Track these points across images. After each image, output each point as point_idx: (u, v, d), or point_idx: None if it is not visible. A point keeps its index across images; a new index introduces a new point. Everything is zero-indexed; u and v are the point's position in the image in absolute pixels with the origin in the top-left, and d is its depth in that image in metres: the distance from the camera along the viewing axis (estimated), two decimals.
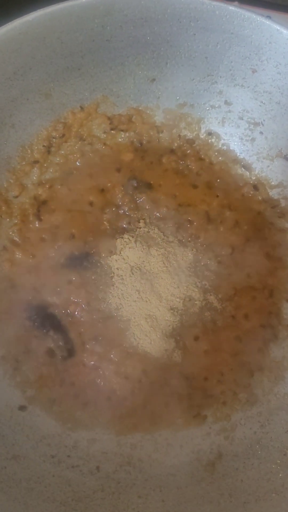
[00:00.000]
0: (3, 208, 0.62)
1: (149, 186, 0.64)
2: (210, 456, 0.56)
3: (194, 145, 0.66)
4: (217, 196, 0.64)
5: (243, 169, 0.66)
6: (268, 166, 0.65)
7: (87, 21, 0.54)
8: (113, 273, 0.60)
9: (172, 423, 0.58)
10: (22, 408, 0.57)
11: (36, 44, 0.54)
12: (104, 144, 0.65)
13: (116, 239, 0.62)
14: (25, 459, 0.52)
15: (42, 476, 0.51)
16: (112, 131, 0.65)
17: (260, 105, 0.61)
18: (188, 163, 0.65)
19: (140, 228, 0.62)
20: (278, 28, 0.53)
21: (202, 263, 0.61)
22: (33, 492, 0.49)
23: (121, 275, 0.60)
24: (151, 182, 0.65)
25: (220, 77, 0.61)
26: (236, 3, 0.82)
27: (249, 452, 0.55)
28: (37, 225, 0.63)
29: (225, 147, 0.66)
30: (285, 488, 0.49)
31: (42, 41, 0.54)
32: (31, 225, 0.63)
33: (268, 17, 0.82)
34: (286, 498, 0.48)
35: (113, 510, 0.50)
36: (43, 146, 0.63)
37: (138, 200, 0.64)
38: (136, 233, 0.62)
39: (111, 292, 0.59)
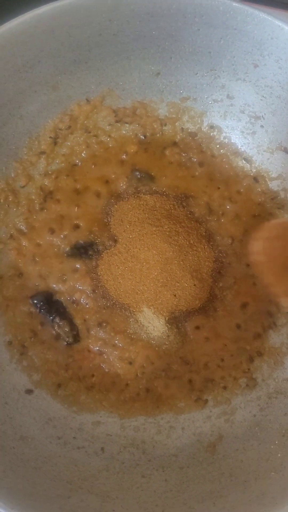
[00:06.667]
0: (10, 197, 0.63)
1: (152, 178, 0.66)
2: (211, 438, 0.57)
3: (197, 138, 0.68)
4: (218, 188, 0.66)
5: (244, 162, 0.67)
6: (268, 158, 0.66)
7: (95, 16, 0.55)
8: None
9: (174, 407, 0.59)
10: (28, 391, 0.58)
11: (45, 37, 0.56)
12: (109, 136, 0.67)
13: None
14: (32, 440, 0.54)
15: (49, 456, 0.53)
16: (117, 124, 0.67)
17: (261, 99, 0.63)
18: (191, 155, 0.67)
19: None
20: (280, 24, 0.55)
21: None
22: (41, 471, 0.51)
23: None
24: (154, 173, 0.66)
25: (223, 71, 0.62)
26: None
27: (248, 434, 0.56)
28: (43, 215, 0.64)
29: (226, 140, 0.67)
30: (284, 467, 0.51)
31: (51, 34, 0.56)
32: (37, 215, 0.64)
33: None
34: (284, 477, 0.50)
35: (118, 489, 0.52)
36: (50, 137, 0.64)
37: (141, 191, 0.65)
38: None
39: None
